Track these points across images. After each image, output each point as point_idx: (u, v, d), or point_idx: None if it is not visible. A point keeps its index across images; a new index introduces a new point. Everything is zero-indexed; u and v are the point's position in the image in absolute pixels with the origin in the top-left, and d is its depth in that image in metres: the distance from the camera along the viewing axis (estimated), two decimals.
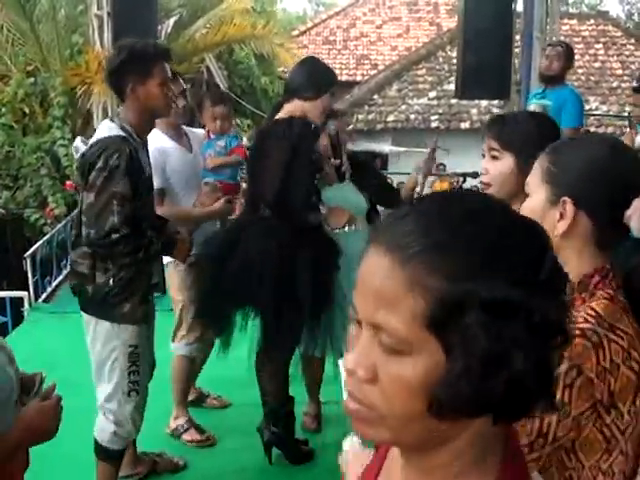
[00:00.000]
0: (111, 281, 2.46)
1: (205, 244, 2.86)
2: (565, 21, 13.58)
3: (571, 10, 21.11)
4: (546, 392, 0.66)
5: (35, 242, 6.42)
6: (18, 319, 5.21)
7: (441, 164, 12.78)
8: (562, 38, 7.52)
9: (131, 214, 2.40)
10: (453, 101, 12.43)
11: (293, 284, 2.71)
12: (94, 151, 2.43)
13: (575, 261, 1.20)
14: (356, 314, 0.68)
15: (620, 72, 13.75)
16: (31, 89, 8.96)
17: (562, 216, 1.20)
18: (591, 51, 14.35)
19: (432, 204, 0.69)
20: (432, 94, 13.40)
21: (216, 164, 3.29)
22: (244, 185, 3.33)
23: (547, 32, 6.85)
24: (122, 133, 2.46)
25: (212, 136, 3.38)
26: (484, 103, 12.58)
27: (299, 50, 13.85)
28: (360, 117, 13.11)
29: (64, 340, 4.12)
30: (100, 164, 2.37)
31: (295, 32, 16.76)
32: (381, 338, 0.65)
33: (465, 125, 12.89)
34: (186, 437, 3.26)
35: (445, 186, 12.04)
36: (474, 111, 12.93)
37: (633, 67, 13.42)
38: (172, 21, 10.70)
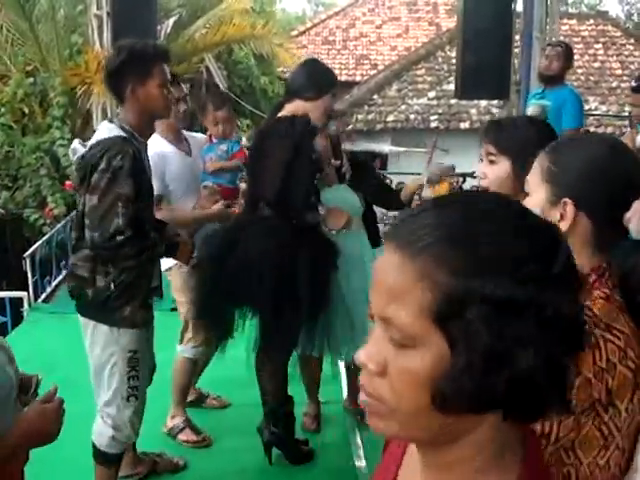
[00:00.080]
0: (112, 285, 2.43)
1: (205, 244, 2.86)
2: (565, 21, 13.59)
3: (571, 10, 21.12)
4: (560, 393, 0.66)
5: (34, 242, 6.42)
6: (17, 319, 5.21)
7: (440, 164, 12.81)
8: (562, 38, 7.53)
9: (135, 216, 2.37)
10: (452, 101, 12.44)
11: (292, 284, 2.71)
12: (95, 152, 2.39)
13: None
14: (370, 309, 0.70)
15: (619, 72, 13.75)
16: (30, 89, 8.95)
17: (562, 217, 1.21)
18: (590, 51, 14.36)
19: (448, 202, 0.70)
20: (431, 94, 13.40)
21: (216, 168, 3.30)
22: (243, 186, 3.33)
23: (547, 32, 6.85)
24: (123, 134, 2.43)
25: (214, 140, 3.37)
26: (483, 103, 12.59)
27: (298, 50, 13.86)
28: (360, 117, 13.11)
29: (64, 340, 4.11)
30: (103, 165, 2.33)
31: (294, 32, 16.76)
32: (391, 332, 0.66)
33: (465, 125, 12.89)
34: (182, 437, 3.26)
35: (444, 186, 12.05)
36: (473, 111, 12.93)
37: (632, 67, 13.42)
38: (172, 21, 10.71)
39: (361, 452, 3.19)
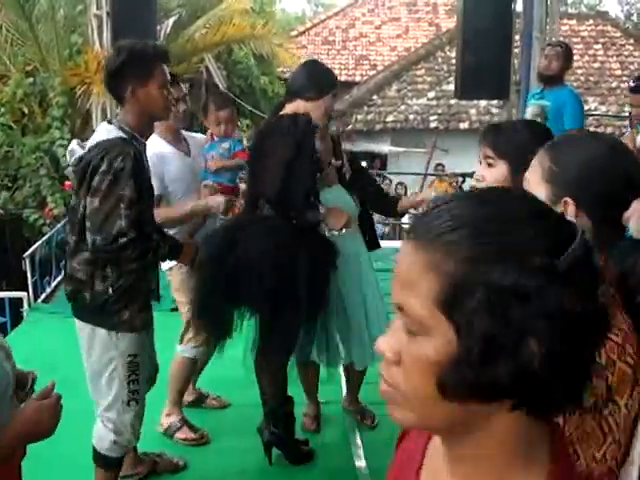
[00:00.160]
0: (110, 289, 2.39)
1: (205, 243, 2.85)
2: (564, 21, 13.60)
3: (570, 10, 21.14)
4: (569, 389, 0.66)
5: (34, 242, 6.42)
6: (17, 319, 5.20)
7: (440, 164, 12.83)
8: (561, 38, 7.53)
9: (137, 217, 2.34)
10: (452, 101, 12.45)
11: (292, 284, 2.71)
12: (95, 154, 2.35)
13: None
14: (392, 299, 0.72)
15: (619, 72, 13.77)
16: (30, 89, 8.96)
17: None
18: (590, 51, 14.37)
19: (465, 196, 0.72)
20: (431, 94, 13.42)
21: (218, 166, 3.29)
22: (243, 186, 3.33)
23: (546, 32, 6.85)
24: (123, 135, 2.40)
25: (216, 138, 3.37)
26: (483, 103, 12.61)
27: (298, 50, 13.88)
28: (359, 117, 13.12)
29: (63, 340, 4.10)
30: (104, 167, 2.30)
31: (294, 32, 16.77)
32: (405, 320, 0.68)
33: (464, 125, 12.91)
34: (180, 435, 3.26)
35: (444, 187, 12.05)
36: (473, 111, 12.94)
37: (632, 67, 13.44)
38: (171, 21, 10.72)
39: (361, 452, 3.19)
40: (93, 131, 2.71)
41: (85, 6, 8.36)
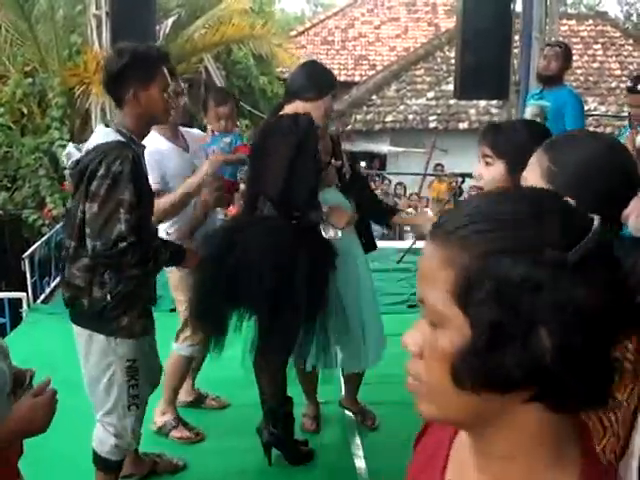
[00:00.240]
0: (108, 296, 2.37)
1: (205, 243, 2.85)
2: (564, 21, 13.62)
3: (570, 10, 21.16)
4: (591, 384, 0.66)
5: (33, 243, 6.41)
6: (16, 320, 5.20)
7: (439, 164, 12.83)
8: (561, 38, 7.53)
9: (137, 222, 2.30)
10: (451, 101, 12.47)
11: (291, 284, 2.71)
12: (92, 158, 2.31)
13: None
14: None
15: (619, 72, 13.78)
16: (29, 89, 8.95)
17: None
18: (590, 51, 14.39)
19: (486, 194, 0.75)
20: (430, 94, 13.43)
21: (219, 160, 3.27)
22: (243, 187, 3.32)
23: (546, 32, 6.85)
24: (120, 138, 2.37)
25: (216, 133, 3.36)
26: (482, 103, 12.62)
27: (297, 50, 13.89)
28: (358, 117, 13.14)
29: (63, 341, 4.09)
30: (102, 171, 2.26)
31: (293, 32, 16.80)
32: (426, 313, 0.71)
33: (463, 125, 12.92)
34: (175, 434, 3.25)
35: (444, 187, 12.06)
36: (472, 111, 12.96)
37: (631, 67, 13.46)
38: (171, 21, 10.72)
39: (361, 452, 3.19)
40: (92, 131, 2.68)
41: (84, 6, 8.35)
